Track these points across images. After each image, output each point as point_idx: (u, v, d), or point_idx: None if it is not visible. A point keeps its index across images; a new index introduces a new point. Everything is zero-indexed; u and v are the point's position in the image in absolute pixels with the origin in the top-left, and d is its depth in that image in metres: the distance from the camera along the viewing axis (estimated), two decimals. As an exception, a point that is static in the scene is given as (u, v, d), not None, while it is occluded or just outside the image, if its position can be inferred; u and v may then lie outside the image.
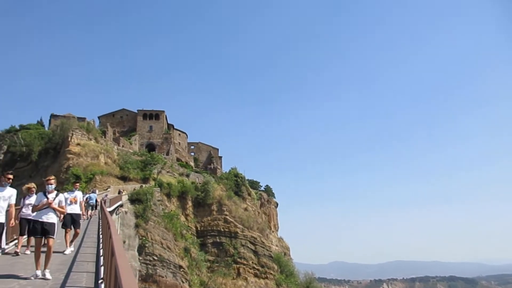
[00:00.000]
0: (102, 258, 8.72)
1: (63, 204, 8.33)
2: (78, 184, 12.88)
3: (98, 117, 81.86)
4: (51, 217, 7.91)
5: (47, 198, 7.96)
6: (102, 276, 6.68)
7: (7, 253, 9.75)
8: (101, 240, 11.88)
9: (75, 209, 11.93)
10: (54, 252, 8.25)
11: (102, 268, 7.37)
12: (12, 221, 9.37)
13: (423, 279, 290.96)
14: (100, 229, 14.54)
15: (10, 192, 9.16)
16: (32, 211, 8.15)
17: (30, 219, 8.59)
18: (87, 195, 25.94)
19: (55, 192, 8.21)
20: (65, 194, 11.47)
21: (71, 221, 11.51)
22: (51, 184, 8.13)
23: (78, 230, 11.90)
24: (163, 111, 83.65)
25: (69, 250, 10.89)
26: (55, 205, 7.99)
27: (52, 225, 7.83)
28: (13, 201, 9.08)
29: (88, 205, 24.96)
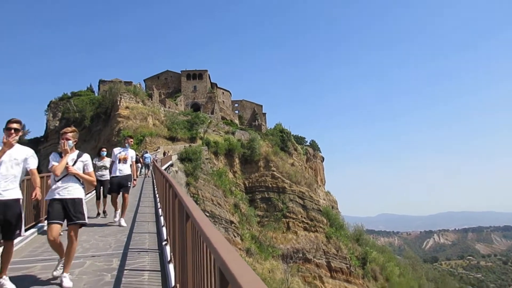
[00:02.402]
0: (162, 218, 8.82)
1: (90, 169, 5.27)
2: (131, 139, 10.25)
3: (144, 80, 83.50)
4: (73, 191, 5.00)
5: (64, 162, 5.04)
6: (165, 237, 6.64)
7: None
8: (157, 200, 12.09)
9: (124, 169, 9.49)
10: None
11: (164, 229, 7.37)
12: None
13: (476, 229, 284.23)
14: (156, 189, 14.89)
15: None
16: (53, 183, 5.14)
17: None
18: (144, 155, 27.06)
19: (76, 151, 5.22)
20: (116, 149, 9.76)
21: (118, 184, 9.36)
22: (68, 139, 5.10)
23: (127, 195, 9.41)
24: (206, 70, 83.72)
25: (122, 222, 9.11)
26: (78, 170, 5.10)
27: (76, 204, 4.97)
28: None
29: (145, 164, 26.19)
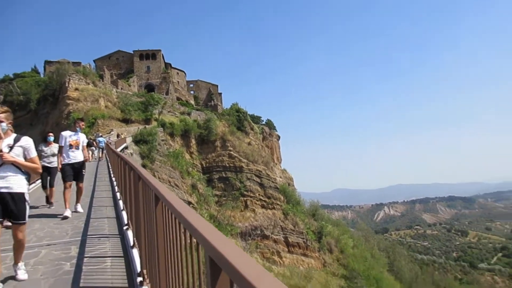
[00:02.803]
0: (120, 202, 8.60)
1: (32, 154, 4.39)
2: (83, 122, 9.16)
3: (94, 61, 79.81)
4: (12, 182, 4.17)
5: None
6: (126, 222, 6.46)
7: None
8: (115, 183, 11.76)
9: (77, 156, 8.60)
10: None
11: (123, 213, 7.18)
12: None
13: (423, 200, 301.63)
14: (112, 172, 14.45)
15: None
16: None
17: None
18: (97, 138, 26.29)
19: (13, 135, 4.38)
20: (65, 133, 8.67)
21: (71, 172, 8.46)
22: (1, 121, 4.28)
23: (81, 184, 8.70)
24: (160, 50, 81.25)
25: (79, 207, 8.58)
26: (16, 157, 4.25)
27: (17, 200, 4.20)
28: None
29: (99, 147, 25.50)
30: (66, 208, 8.04)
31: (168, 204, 2.27)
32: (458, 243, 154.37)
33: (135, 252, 4.77)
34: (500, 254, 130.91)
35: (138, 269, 4.19)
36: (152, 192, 3.07)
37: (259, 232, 48.58)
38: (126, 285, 4.08)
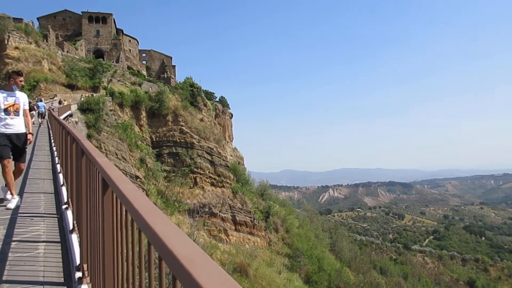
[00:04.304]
0: (61, 176, 7.65)
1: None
2: (21, 78, 6.43)
3: (37, 19, 74.03)
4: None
5: None
6: (66, 200, 5.60)
7: None
8: (55, 154, 10.70)
9: (17, 124, 6.20)
10: None
11: (63, 189, 6.33)
12: None
13: (366, 184, 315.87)
14: (53, 142, 13.25)
15: None
16: None
17: None
18: (38, 103, 24.30)
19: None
20: None
21: (9, 147, 6.03)
22: None
23: (23, 165, 6.51)
24: (111, 14, 76.78)
25: (14, 203, 5.79)
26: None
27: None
28: None
29: (39, 113, 23.52)
30: (12, 195, 5.95)
31: (120, 194, 1.68)
32: (394, 225, 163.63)
33: (75, 239, 4.02)
34: (431, 237, 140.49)
35: (77, 261, 3.49)
36: (99, 175, 2.47)
37: (207, 209, 48.21)
38: (62, 280, 3.32)
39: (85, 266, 3.18)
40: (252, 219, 52.95)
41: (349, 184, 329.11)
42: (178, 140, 55.02)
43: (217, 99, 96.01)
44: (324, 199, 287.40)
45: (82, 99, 41.85)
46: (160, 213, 1.21)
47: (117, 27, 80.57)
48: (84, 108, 39.33)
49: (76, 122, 37.18)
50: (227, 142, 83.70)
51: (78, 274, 3.25)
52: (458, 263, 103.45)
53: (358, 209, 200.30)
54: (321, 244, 59.29)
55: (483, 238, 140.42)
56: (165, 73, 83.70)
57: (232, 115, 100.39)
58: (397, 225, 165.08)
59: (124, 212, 1.84)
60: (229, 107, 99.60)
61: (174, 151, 54.14)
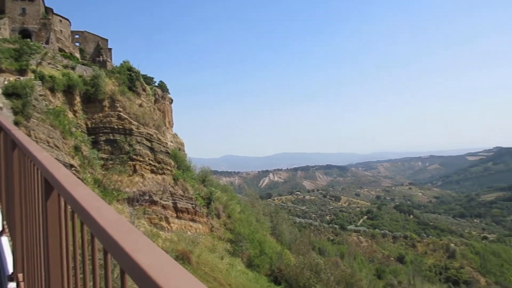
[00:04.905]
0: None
1: None
2: None
3: (-49, -8, 67.00)
4: None
5: None
6: None
7: None
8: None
9: None
10: None
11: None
12: None
13: (304, 168, 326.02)
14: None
15: None
16: None
17: None
18: None
19: None
20: None
21: None
22: None
23: None
24: (38, -10, 71.38)
25: None
26: None
27: None
28: None
29: None
30: None
31: (73, 201, 1.58)
32: (331, 207, 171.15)
33: (5, 242, 3.49)
34: (365, 217, 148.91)
35: (10, 269, 3.01)
36: (39, 174, 2.12)
37: (147, 197, 47.34)
38: None
39: (20, 276, 2.75)
40: (193, 205, 52.81)
41: (288, 168, 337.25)
42: (116, 126, 53.04)
43: (156, 84, 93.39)
44: (264, 183, 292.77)
45: (6, 82, 38.91)
46: (137, 233, 1.16)
47: (46, 5, 75.14)
48: (10, 93, 36.70)
49: (1, 108, 34.66)
50: (167, 128, 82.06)
51: (12, 285, 2.83)
52: (389, 241, 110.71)
53: (297, 193, 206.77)
54: (262, 228, 60.70)
55: (411, 216, 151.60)
56: (101, 56, 79.76)
57: (172, 100, 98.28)
58: (334, 207, 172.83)
59: (78, 223, 1.65)
60: (168, 92, 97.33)
61: (112, 137, 52.16)
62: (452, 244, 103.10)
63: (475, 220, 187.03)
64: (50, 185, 1.90)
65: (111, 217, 1.27)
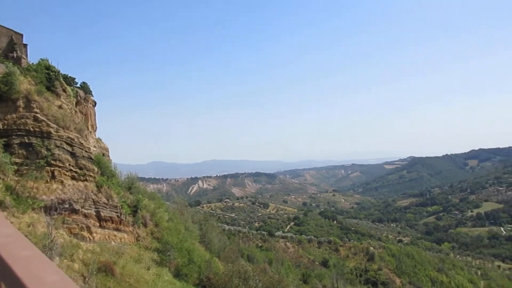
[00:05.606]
0: None
1: None
2: None
3: None
4: None
5: None
6: None
7: None
8: None
9: None
10: None
11: None
12: None
13: (234, 175, 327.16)
14: None
15: None
16: None
17: None
18: None
19: None
20: None
21: None
22: None
23: None
24: None
25: None
26: None
27: None
28: None
29: None
30: None
31: None
32: (260, 214, 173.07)
33: None
34: (292, 223, 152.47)
35: None
36: None
37: (67, 206, 43.77)
38: None
39: None
40: (118, 214, 49.91)
41: (218, 175, 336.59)
42: (32, 129, 48.63)
43: (79, 85, 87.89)
44: (193, 190, 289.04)
45: None
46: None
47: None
48: None
49: None
50: (90, 132, 77.30)
51: None
52: (314, 246, 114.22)
53: (226, 200, 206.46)
54: (191, 236, 59.09)
55: (335, 222, 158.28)
56: (15, 52, 73.30)
57: (95, 103, 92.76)
58: (263, 213, 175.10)
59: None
60: (92, 94, 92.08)
61: (27, 141, 47.70)
62: (371, 248, 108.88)
63: (392, 225, 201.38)
64: None
65: (51, 278, 0.79)
